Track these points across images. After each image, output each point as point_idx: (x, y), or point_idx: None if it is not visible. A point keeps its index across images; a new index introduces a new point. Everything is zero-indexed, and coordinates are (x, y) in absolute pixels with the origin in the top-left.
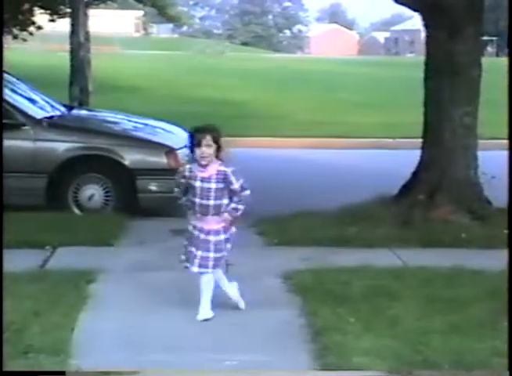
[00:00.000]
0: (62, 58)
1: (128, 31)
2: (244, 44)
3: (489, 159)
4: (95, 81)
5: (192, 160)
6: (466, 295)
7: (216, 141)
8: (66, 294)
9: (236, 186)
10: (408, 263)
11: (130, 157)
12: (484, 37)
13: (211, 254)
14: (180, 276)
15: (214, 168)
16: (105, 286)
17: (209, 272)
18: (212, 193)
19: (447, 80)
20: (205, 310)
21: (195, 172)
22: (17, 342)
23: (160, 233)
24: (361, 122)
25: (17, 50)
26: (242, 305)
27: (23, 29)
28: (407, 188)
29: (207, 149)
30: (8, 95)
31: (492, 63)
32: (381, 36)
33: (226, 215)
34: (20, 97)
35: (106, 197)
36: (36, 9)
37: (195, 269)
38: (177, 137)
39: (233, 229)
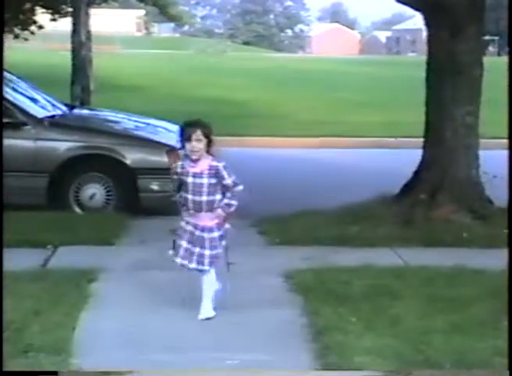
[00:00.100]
0: (63, 57)
1: (130, 30)
2: (246, 43)
3: (491, 158)
4: (96, 80)
5: (185, 156)
6: (467, 295)
7: (207, 136)
8: (67, 293)
9: (228, 180)
10: (409, 262)
11: (131, 157)
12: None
13: (207, 252)
14: (181, 275)
15: (206, 163)
16: (106, 285)
17: (205, 270)
18: (204, 189)
19: (449, 79)
20: (207, 309)
21: (187, 168)
22: (18, 341)
23: (162, 232)
24: (362, 121)
25: (19, 49)
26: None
27: (25, 28)
28: (408, 187)
29: (197, 143)
30: (9, 94)
31: (493, 62)
32: (383, 35)
33: (219, 210)
34: (22, 96)
35: (108, 196)
36: (37, 8)
37: (193, 265)
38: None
39: (227, 225)
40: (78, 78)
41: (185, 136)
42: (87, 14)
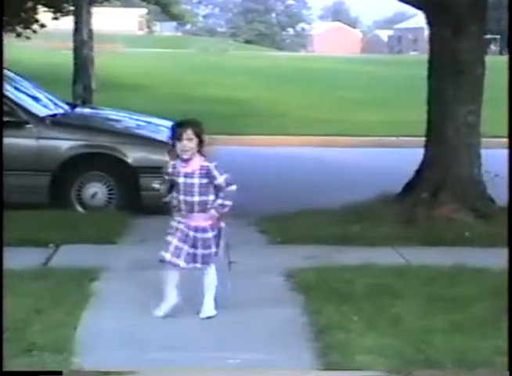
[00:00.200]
0: (65, 56)
1: (132, 29)
2: (247, 42)
3: (492, 157)
4: (98, 79)
5: (177, 156)
6: (468, 294)
7: (198, 135)
8: (69, 292)
9: (219, 180)
10: (411, 262)
11: (133, 155)
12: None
13: (199, 251)
14: (182, 274)
15: (198, 163)
16: (108, 284)
17: (198, 268)
18: (196, 189)
19: (451, 78)
20: (208, 308)
21: (178, 168)
22: (20, 340)
23: (163, 231)
24: (364, 120)
25: (21, 48)
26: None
27: (27, 27)
28: (410, 186)
29: (188, 142)
30: (11, 93)
31: (495, 61)
32: (384, 34)
33: (213, 211)
34: (24, 95)
35: (109, 194)
36: (39, 7)
37: (183, 264)
38: None
39: (222, 224)
40: (80, 77)
41: (176, 135)
42: (89, 13)
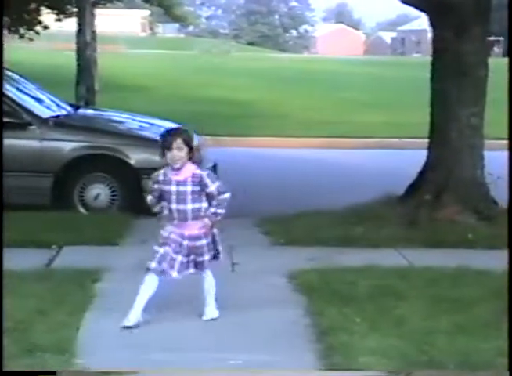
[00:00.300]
0: (68, 57)
1: (135, 31)
2: (250, 44)
3: (495, 159)
4: (101, 80)
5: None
6: (471, 295)
7: (188, 144)
8: (71, 293)
9: (211, 188)
10: (414, 263)
11: (136, 157)
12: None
13: (193, 258)
14: (185, 275)
15: (190, 170)
16: (110, 285)
17: (191, 273)
18: (189, 197)
19: (454, 80)
20: (211, 310)
21: (169, 176)
22: (22, 341)
23: None
24: (367, 122)
25: (24, 49)
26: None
27: (30, 28)
28: (413, 188)
29: (178, 152)
30: (14, 94)
31: (498, 63)
32: (387, 36)
33: (206, 220)
34: (27, 96)
35: (112, 196)
36: (43, 8)
37: (175, 274)
38: None
39: (215, 230)
40: (83, 78)
41: (165, 145)
42: (92, 14)
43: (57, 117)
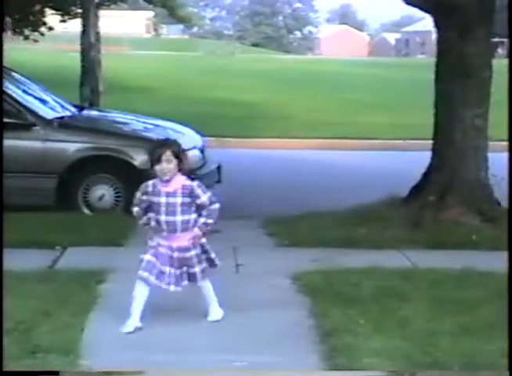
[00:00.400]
0: (72, 58)
1: (139, 32)
2: (254, 45)
3: (499, 161)
4: (105, 81)
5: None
6: (475, 297)
7: (177, 156)
8: (75, 294)
9: (203, 198)
10: (417, 265)
11: (140, 158)
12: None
13: (185, 270)
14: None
15: (179, 182)
16: (114, 286)
17: (187, 285)
18: (178, 208)
19: (458, 81)
20: (215, 311)
21: (158, 188)
22: (26, 342)
23: None
24: (371, 123)
25: (28, 50)
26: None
27: (35, 29)
28: (417, 189)
29: (167, 164)
30: (19, 95)
31: (502, 64)
32: (392, 37)
33: (196, 230)
34: (31, 97)
35: (116, 197)
36: (47, 9)
37: (172, 287)
38: (186, 138)
39: (203, 240)
40: (87, 79)
41: (154, 158)
42: (96, 15)
43: (61, 118)
